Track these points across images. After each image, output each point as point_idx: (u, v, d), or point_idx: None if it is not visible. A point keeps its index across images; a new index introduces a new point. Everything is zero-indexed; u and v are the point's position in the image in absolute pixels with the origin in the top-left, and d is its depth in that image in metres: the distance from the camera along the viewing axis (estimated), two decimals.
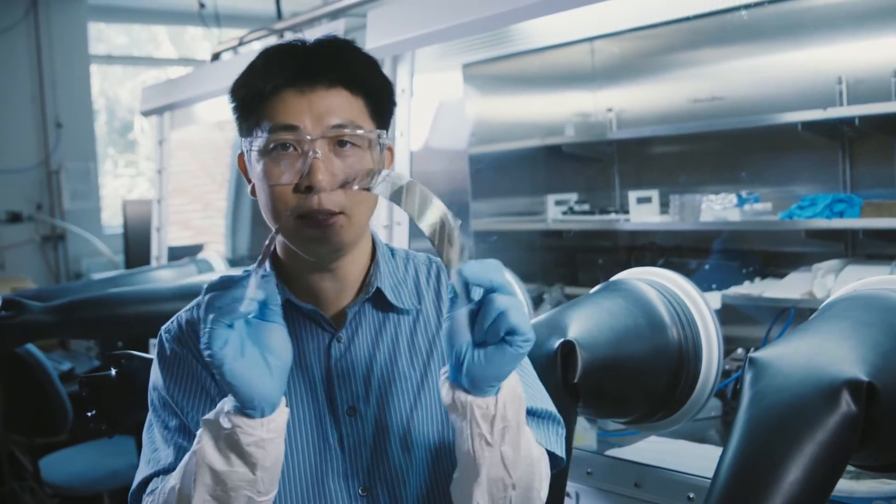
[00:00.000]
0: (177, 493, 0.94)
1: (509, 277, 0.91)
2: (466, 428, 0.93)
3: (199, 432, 0.93)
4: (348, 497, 1.07)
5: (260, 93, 1.04)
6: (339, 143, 1.03)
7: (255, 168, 1.05)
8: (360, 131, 1.04)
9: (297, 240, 1.04)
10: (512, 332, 0.88)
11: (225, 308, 0.88)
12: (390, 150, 1.13)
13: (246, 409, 0.90)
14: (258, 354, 0.90)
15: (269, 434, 0.91)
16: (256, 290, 0.89)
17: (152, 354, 1.16)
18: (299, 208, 1.00)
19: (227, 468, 0.91)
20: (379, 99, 1.09)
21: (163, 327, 1.14)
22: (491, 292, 0.88)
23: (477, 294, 0.90)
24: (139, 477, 1.06)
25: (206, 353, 0.88)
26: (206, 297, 0.90)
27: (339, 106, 1.04)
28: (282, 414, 0.92)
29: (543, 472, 1.08)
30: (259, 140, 1.04)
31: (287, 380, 0.95)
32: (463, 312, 0.89)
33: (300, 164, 1.01)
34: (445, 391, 0.93)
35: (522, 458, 0.99)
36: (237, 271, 1.17)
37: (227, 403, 0.91)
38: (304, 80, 1.03)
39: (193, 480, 0.92)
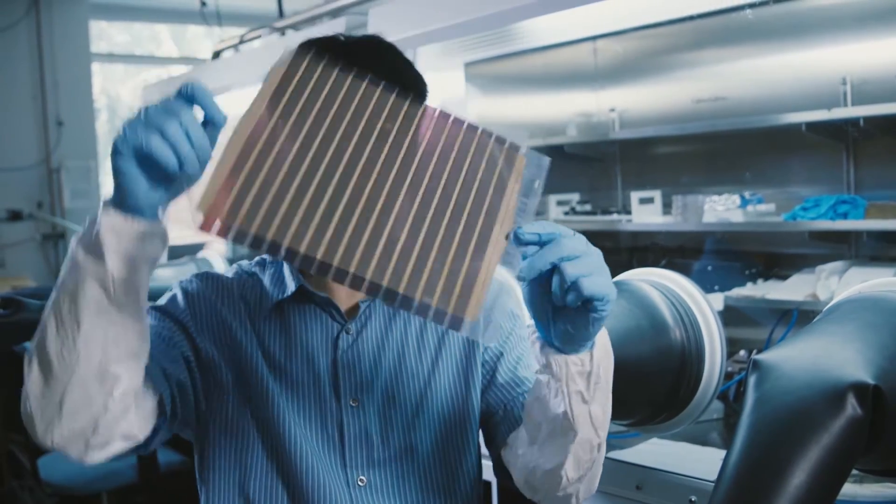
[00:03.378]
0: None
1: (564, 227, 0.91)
2: (563, 387, 0.93)
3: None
4: (348, 487, 1.08)
5: None
6: None
7: None
8: None
9: None
10: (589, 299, 0.87)
11: None
12: None
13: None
14: None
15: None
16: None
17: None
18: None
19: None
20: (415, 97, 1.09)
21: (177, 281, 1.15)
22: (549, 241, 0.86)
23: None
24: None
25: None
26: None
27: None
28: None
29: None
30: None
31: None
32: (536, 282, 0.88)
33: None
34: (538, 351, 0.94)
35: (608, 418, 0.99)
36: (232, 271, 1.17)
37: None
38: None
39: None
